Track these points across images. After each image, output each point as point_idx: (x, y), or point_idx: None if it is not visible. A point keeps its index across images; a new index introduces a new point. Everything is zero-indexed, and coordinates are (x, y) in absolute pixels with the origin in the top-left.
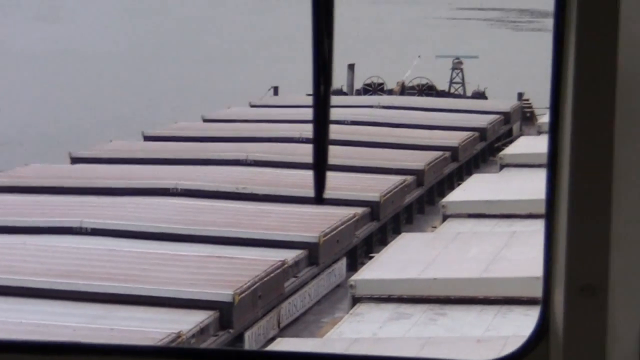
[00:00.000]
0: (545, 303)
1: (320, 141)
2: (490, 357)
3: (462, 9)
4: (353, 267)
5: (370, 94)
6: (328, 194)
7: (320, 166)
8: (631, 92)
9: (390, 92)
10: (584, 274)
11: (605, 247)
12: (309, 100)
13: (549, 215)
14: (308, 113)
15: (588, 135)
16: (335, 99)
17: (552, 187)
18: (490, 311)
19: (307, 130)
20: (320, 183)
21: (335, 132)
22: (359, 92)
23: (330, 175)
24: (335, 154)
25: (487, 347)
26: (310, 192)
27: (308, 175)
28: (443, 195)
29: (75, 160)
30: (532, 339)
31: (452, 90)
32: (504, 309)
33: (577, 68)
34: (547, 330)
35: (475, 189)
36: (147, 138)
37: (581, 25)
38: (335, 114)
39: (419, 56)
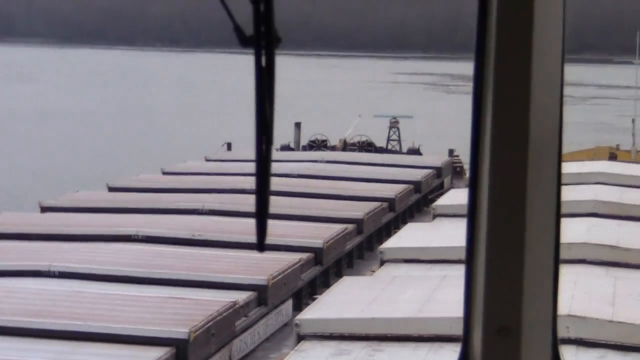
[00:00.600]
0: (465, 342)
1: (262, 193)
2: None
3: (400, 74)
4: (298, 308)
5: (315, 150)
6: (276, 240)
7: (262, 217)
8: (542, 150)
9: (333, 148)
10: (499, 315)
11: (519, 291)
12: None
13: (469, 261)
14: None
15: (503, 189)
16: (283, 154)
17: (472, 236)
18: (423, 348)
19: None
20: (261, 232)
21: (282, 184)
22: (304, 148)
23: (278, 224)
24: (282, 204)
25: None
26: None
27: None
28: (381, 242)
29: (44, 209)
30: None
31: (390, 147)
32: (436, 346)
33: (493, 129)
34: None
35: (410, 236)
36: (111, 189)
37: (497, 91)
38: (283, 167)
39: (360, 116)
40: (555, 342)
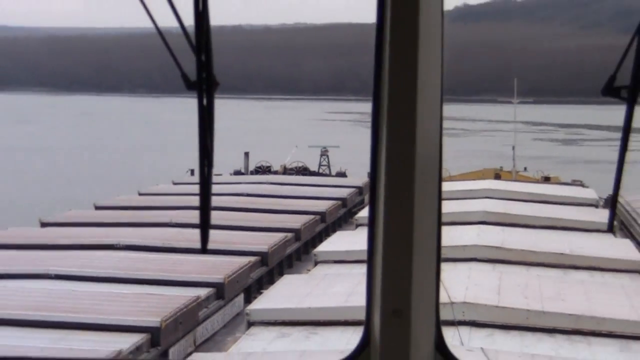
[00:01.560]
0: (367, 323)
1: (204, 206)
2: None
3: (332, 113)
4: (248, 300)
5: (261, 174)
6: (229, 246)
7: (204, 226)
8: (425, 172)
9: (275, 172)
10: (393, 301)
11: (408, 282)
12: (218, 178)
13: (370, 260)
14: (219, 188)
15: (395, 203)
16: (235, 178)
17: (371, 240)
18: (349, 330)
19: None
20: (204, 239)
21: (234, 201)
22: (252, 172)
23: (231, 233)
24: (235, 218)
25: (336, 356)
26: (216, 246)
27: (216, 233)
28: (315, 246)
29: (44, 224)
30: (358, 350)
31: (321, 171)
32: (359, 329)
33: (387, 155)
34: (368, 343)
35: (338, 242)
36: (98, 207)
37: (389, 125)
38: (235, 188)
39: (296, 146)
40: (438, 321)
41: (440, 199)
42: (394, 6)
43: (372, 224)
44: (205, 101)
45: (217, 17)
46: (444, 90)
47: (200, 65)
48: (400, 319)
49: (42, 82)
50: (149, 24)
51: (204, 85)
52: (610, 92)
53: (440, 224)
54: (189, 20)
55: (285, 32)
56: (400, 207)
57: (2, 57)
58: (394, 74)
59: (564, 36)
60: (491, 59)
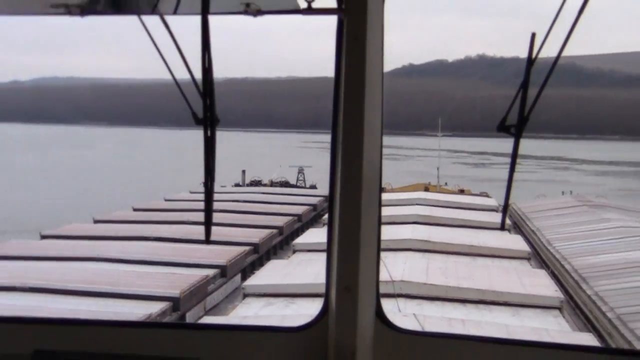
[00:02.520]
0: (326, 296)
1: (208, 210)
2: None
3: (308, 142)
4: (244, 278)
5: (254, 186)
6: (229, 239)
7: (207, 223)
8: (370, 186)
9: (264, 184)
10: (345, 280)
11: (356, 267)
12: (223, 189)
13: (328, 250)
14: (223, 196)
15: (347, 207)
16: (235, 189)
17: (330, 235)
18: (318, 300)
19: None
20: (207, 233)
21: (234, 206)
22: (248, 185)
23: (231, 229)
24: (234, 217)
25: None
26: (221, 238)
27: (220, 229)
28: (293, 239)
29: (43, 237)
30: (319, 316)
31: (298, 184)
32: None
33: (342, 173)
34: (326, 311)
35: (310, 235)
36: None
37: (344, 150)
38: (235, 196)
39: (280, 166)
40: (378, 296)
41: (380, 205)
42: (347, 67)
43: (330, 223)
44: (209, 133)
45: (229, 70)
46: (383, 126)
47: (206, 107)
48: (350, 294)
49: (88, 117)
50: (168, 76)
51: (209, 121)
52: (502, 129)
53: (380, 223)
54: (197, 73)
55: (280, 83)
56: (350, 211)
57: (56, 99)
58: (346, 114)
59: (480, 88)
60: (427, 104)
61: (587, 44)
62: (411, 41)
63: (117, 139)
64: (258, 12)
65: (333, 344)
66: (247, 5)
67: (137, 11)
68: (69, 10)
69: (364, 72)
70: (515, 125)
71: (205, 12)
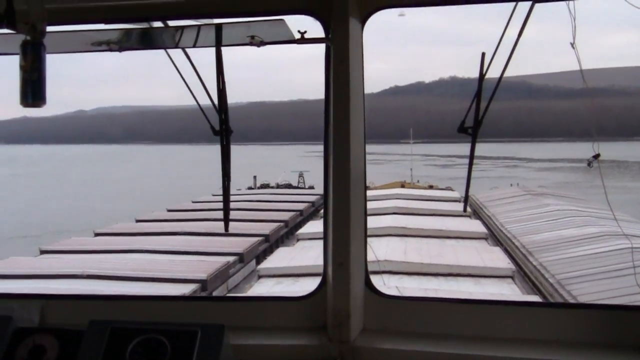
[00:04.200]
0: (324, 271)
1: (226, 208)
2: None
3: (308, 152)
4: (258, 263)
5: (263, 188)
6: (243, 231)
7: (226, 217)
8: (356, 183)
9: (272, 187)
10: (339, 257)
11: (347, 247)
12: (237, 192)
13: (325, 235)
14: (239, 197)
15: (339, 200)
16: (248, 191)
17: (326, 224)
18: (318, 279)
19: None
20: (226, 225)
21: (248, 206)
22: (258, 187)
23: (246, 224)
24: (247, 214)
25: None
26: (238, 231)
27: (238, 224)
28: (297, 230)
29: (97, 234)
30: (318, 287)
31: (299, 185)
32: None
33: (334, 174)
34: (325, 283)
35: (310, 227)
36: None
37: (335, 154)
38: (249, 197)
39: (284, 172)
40: (367, 269)
41: (365, 199)
42: (335, 86)
43: (326, 215)
44: (224, 142)
45: (247, 95)
46: (366, 134)
47: (221, 120)
48: (343, 268)
49: (137, 138)
50: (192, 101)
51: (224, 132)
52: (461, 130)
53: (365, 213)
54: (213, 91)
55: (292, 104)
56: (342, 205)
57: (112, 124)
58: (335, 125)
59: (452, 103)
60: (408, 117)
61: (537, 64)
62: (396, 67)
63: (159, 154)
64: (261, 43)
65: (331, 309)
66: (252, 37)
67: (164, 46)
68: (109, 47)
69: (348, 90)
70: (472, 127)
71: (218, 44)
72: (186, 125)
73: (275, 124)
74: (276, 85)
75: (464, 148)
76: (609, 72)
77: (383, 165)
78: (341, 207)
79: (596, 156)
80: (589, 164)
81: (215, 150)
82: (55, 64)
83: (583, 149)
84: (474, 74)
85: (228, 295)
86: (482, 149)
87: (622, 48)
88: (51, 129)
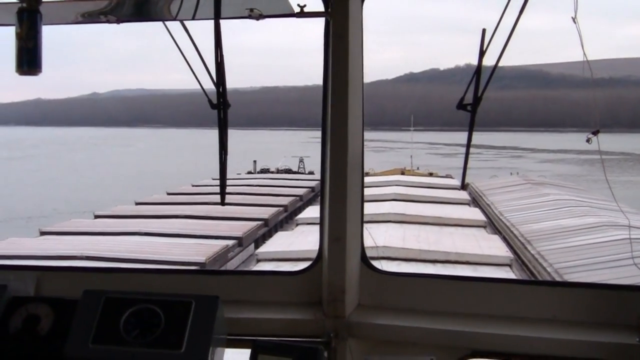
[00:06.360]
0: (320, 246)
1: (222, 184)
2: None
3: (311, 137)
4: (257, 247)
5: (263, 173)
6: (244, 215)
7: (222, 187)
8: (353, 169)
9: (272, 172)
10: (335, 232)
11: (344, 223)
12: (237, 176)
13: (321, 213)
14: (239, 182)
15: (336, 184)
16: (248, 176)
17: (322, 206)
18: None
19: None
20: (222, 197)
21: (247, 190)
22: (258, 172)
23: (244, 208)
24: (247, 199)
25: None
26: (237, 215)
27: (236, 208)
28: (296, 215)
29: (97, 216)
30: (314, 262)
31: (299, 171)
32: None
33: (331, 160)
34: (320, 258)
35: (310, 212)
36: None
37: (332, 141)
38: (248, 182)
39: (284, 157)
40: (362, 244)
41: (362, 180)
42: (333, 63)
43: (322, 191)
44: (222, 115)
45: (257, 79)
46: (364, 116)
47: (219, 94)
48: (339, 243)
49: (148, 121)
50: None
51: (221, 106)
52: (460, 107)
53: (362, 191)
54: (212, 65)
55: (304, 90)
56: (338, 189)
57: (125, 108)
58: (333, 106)
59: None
60: (421, 104)
61: (554, 53)
62: (411, 55)
63: (168, 136)
64: (260, 16)
65: (326, 284)
66: (251, 10)
67: (161, 17)
68: (107, 19)
69: (347, 66)
70: (471, 103)
71: (217, 17)
72: (197, 110)
73: (287, 109)
74: (289, 69)
75: (474, 135)
76: (625, 63)
77: (385, 153)
78: (338, 183)
79: (595, 132)
80: (587, 140)
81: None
82: (73, 46)
83: (594, 141)
84: (491, 62)
85: (224, 269)
86: (491, 138)
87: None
88: (64, 111)
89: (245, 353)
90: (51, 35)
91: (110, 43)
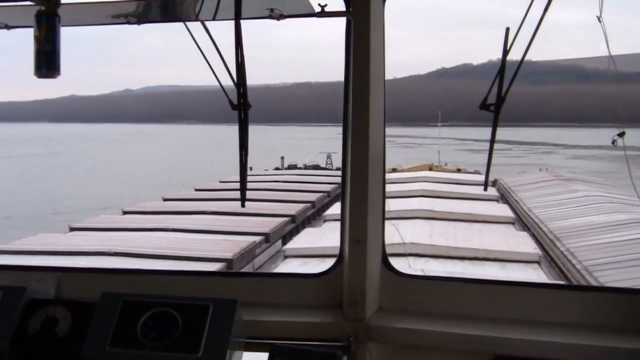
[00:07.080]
0: (341, 248)
1: (242, 184)
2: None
3: (336, 134)
4: (284, 243)
5: (291, 169)
6: (270, 212)
7: (242, 188)
8: (374, 165)
9: (299, 168)
10: (356, 233)
11: (365, 224)
12: (264, 172)
13: (342, 213)
14: (266, 177)
15: (357, 181)
16: (275, 172)
17: (343, 204)
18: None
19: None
20: (242, 198)
21: (275, 186)
22: (286, 168)
23: (272, 204)
24: (275, 195)
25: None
26: (264, 211)
27: (264, 204)
28: (324, 211)
29: (125, 212)
30: (335, 264)
31: (327, 167)
32: None
33: (352, 155)
34: (341, 260)
35: (337, 208)
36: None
37: (354, 138)
38: (274, 178)
39: (312, 153)
40: (384, 247)
41: (384, 178)
42: (355, 61)
43: (343, 191)
44: (242, 116)
45: (280, 75)
46: (386, 111)
47: (240, 95)
48: (360, 245)
49: (179, 117)
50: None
51: (242, 106)
52: (484, 107)
53: (384, 191)
54: (232, 66)
55: (335, 85)
56: (359, 186)
57: (159, 104)
58: (354, 102)
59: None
60: (453, 99)
61: (590, 48)
62: (443, 50)
63: (198, 133)
64: (280, 16)
65: (347, 286)
66: (272, 10)
67: (182, 18)
68: (127, 20)
69: (368, 66)
70: (495, 104)
71: (238, 17)
72: (224, 106)
73: (317, 104)
74: (324, 65)
75: (503, 131)
76: None
77: (413, 149)
78: (358, 183)
79: (621, 134)
80: (613, 142)
81: (251, 130)
82: (107, 42)
83: (630, 136)
84: (519, 58)
85: (242, 271)
86: (522, 134)
87: None
88: (97, 108)
89: (264, 357)
90: (83, 32)
91: (143, 39)
